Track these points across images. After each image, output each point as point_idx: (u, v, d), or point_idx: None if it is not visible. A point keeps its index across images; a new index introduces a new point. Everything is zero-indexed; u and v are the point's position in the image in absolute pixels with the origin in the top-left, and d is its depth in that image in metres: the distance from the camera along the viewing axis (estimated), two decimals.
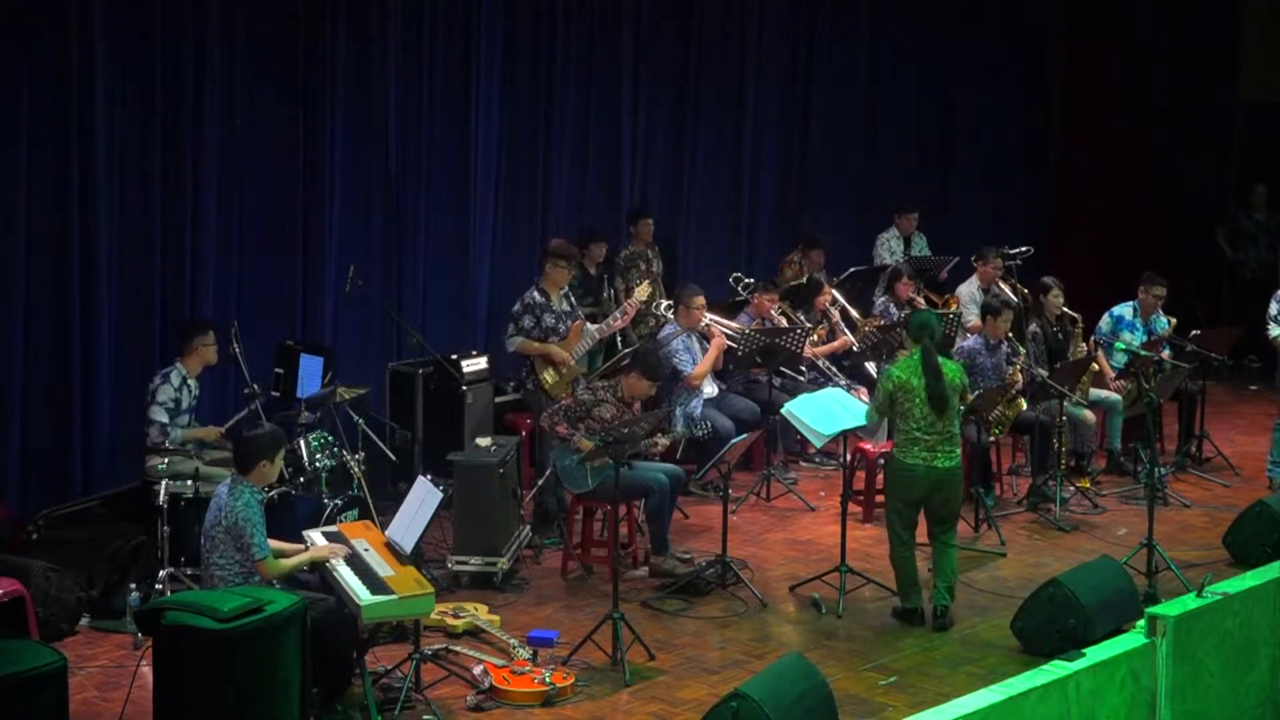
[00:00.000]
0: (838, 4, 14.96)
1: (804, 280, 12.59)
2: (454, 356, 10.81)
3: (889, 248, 13.92)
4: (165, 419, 9.02)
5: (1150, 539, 8.90)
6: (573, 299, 10.66)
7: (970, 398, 9.44)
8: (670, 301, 11.17)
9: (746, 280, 12.00)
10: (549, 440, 9.86)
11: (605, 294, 12.15)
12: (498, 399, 11.19)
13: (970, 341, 10.97)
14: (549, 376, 10.23)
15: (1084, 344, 11.63)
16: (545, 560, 9.64)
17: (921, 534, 8.71)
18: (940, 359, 8.59)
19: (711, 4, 13.85)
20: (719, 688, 7.39)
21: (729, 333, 11.06)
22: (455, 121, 11.84)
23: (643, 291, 10.97)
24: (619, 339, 11.65)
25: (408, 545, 7.45)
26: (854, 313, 12.38)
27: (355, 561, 7.41)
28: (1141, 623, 6.61)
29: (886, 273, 12.95)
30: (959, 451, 8.63)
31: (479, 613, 8.45)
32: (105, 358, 10.01)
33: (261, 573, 7.21)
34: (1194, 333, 11.84)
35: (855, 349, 11.87)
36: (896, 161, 15.55)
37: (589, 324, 10.58)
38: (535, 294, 10.33)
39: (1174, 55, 16.26)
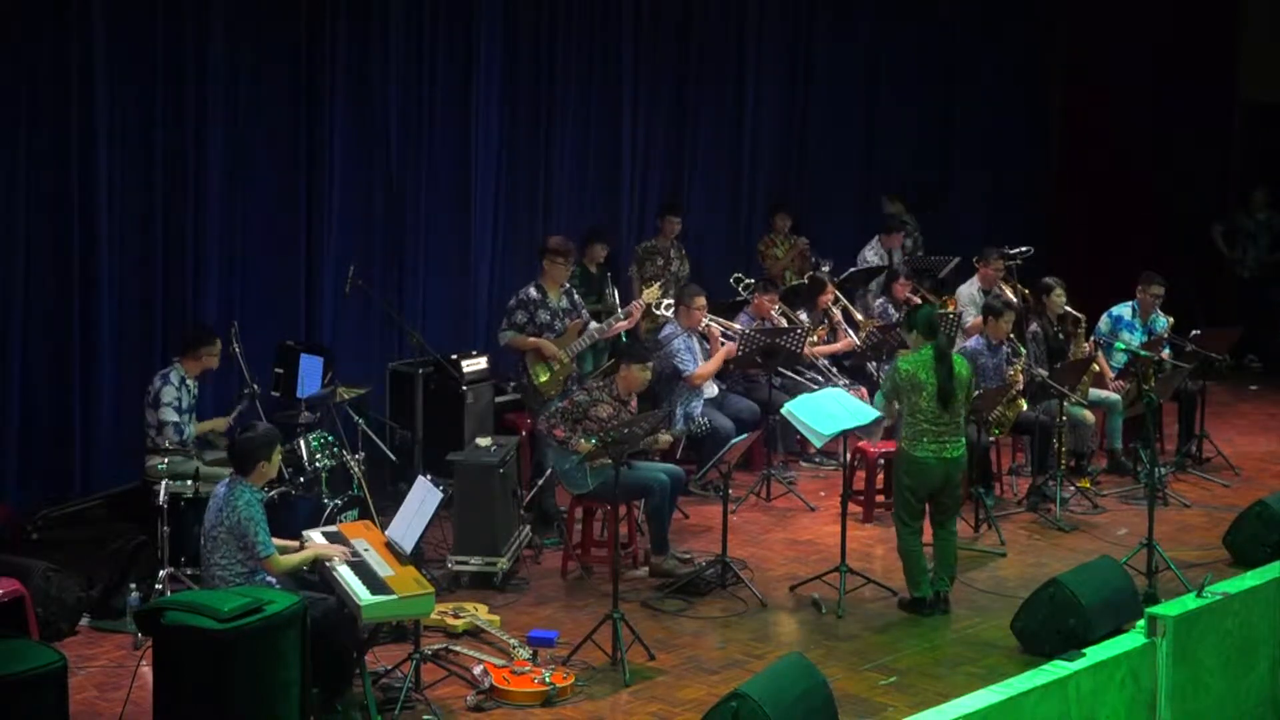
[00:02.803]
0: (838, 4, 14.95)
1: (804, 280, 12.59)
2: (454, 356, 10.81)
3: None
4: (177, 418, 8.99)
5: (1150, 539, 8.90)
6: (576, 297, 10.65)
7: (973, 395, 9.46)
8: (671, 301, 11.17)
9: (746, 280, 11.99)
10: (546, 441, 9.86)
11: (609, 293, 12.13)
12: (498, 399, 11.19)
13: (972, 342, 10.97)
14: (540, 372, 10.24)
15: (1085, 344, 11.62)
16: (545, 560, 9.64)
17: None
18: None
19: (711, 4, 13.84)
20: (719, 688, 7.39)
21: (729, 333, 11.05)
22: (456, 121, 11.84)
23: (651, 295, 10.95)
24: (624, 338, 11.60)
25: (408, 545, 7.45)
26: (856, 313, 12.37)
27: (355, 561, 7.41)
28: (1141, 623, 6.62)
29: (883, 274, 12.95)
30: (964, 440, 8.78)
31: (479, 613, 8.45)
32: (105, 358, 10.01)
33: (267, 570, 7.22)
34: (1194, 333, 11.83)
35: (858, 349, 11.86)
36: (896, 161, 15.54)
37: (593, 322, 10.58)
38: (531, 290, 10.35)
39: (1175, 55, 16.25)
